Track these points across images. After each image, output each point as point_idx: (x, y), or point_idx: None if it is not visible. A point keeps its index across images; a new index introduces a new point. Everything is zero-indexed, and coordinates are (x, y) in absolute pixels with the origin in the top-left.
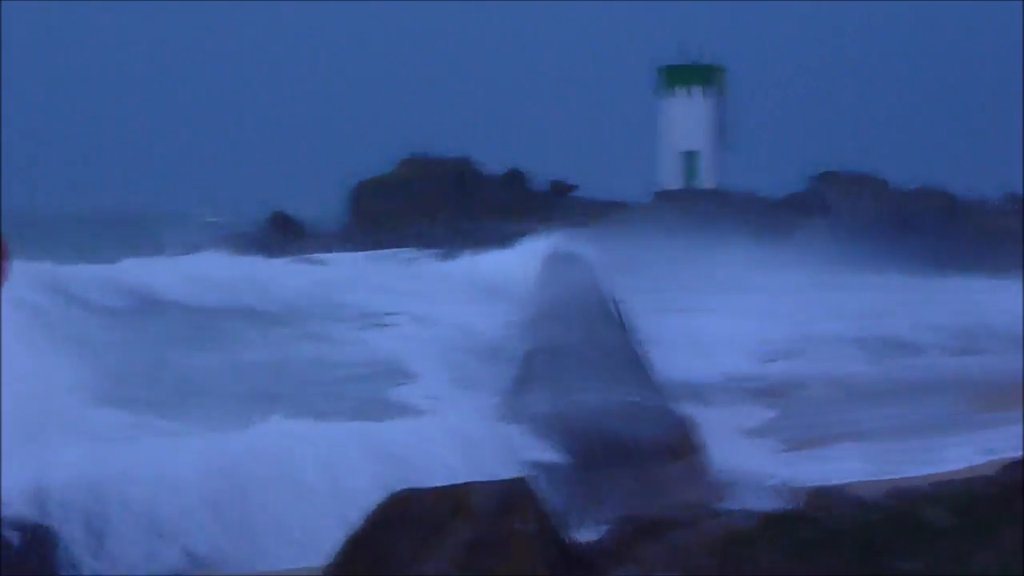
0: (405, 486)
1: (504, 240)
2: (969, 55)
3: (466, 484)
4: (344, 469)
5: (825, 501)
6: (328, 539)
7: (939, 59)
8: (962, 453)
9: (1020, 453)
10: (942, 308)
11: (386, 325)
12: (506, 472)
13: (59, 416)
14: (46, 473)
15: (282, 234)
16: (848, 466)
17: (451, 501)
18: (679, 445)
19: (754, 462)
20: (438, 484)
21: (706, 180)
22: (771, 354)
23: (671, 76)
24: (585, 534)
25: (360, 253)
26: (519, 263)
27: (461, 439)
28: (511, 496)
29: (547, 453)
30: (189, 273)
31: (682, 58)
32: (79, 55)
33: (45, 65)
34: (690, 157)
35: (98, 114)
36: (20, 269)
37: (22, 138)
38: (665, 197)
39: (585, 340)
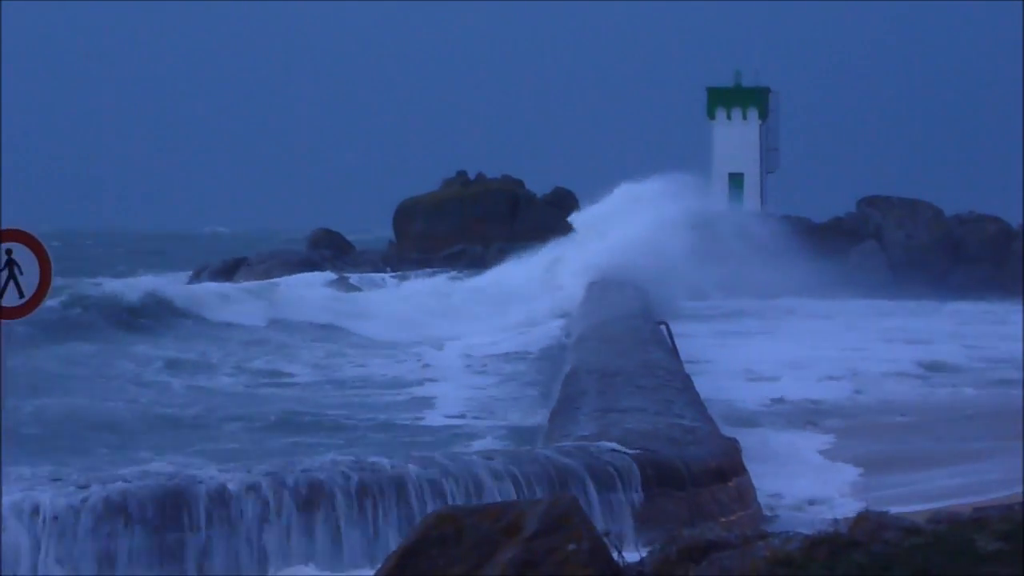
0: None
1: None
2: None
3: (516, 503)
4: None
5: (872, 525)
6: None
7: (993, 87)
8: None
9: None
10: (994, 335)
11: (420, 347)
12: (553, 491)
13: None
14: None
15: (327, 251)
16: (898, 491)
17: (501, 520)
18: (727, 468)
19: (803, 486)
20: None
21: (751, 202)
22: (822, 379)
23: (719, 98)
24: (632, 555)
25: (403, 273)
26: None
27: (505, 457)
28: (561, 515)
29: (595, 473)
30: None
31: (729, 81)
32: (132, 76)
33: (96, 85)
34: (735, 179)
35: (145, 134)
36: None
37: (70, 160)
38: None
39: (635, 362)
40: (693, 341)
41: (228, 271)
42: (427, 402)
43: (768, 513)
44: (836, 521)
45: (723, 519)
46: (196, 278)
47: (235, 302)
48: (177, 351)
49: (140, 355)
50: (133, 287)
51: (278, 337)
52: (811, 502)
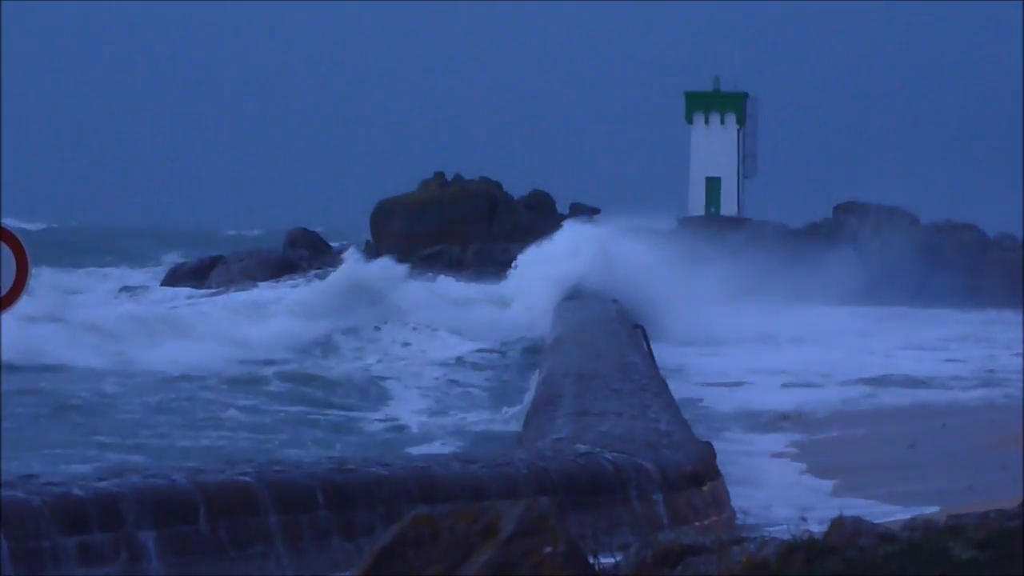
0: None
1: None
2: (999, 91)
3: (492, 505)
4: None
5: (847, 531)
6: None
7: (968, 94)
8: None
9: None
10: (971, 343)
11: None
12: (529, 494)
13: None
14: None
15: (304, 251)
16: (868, 498)
17: (478, 522)
18: (702, 472)
19: (777, 491)
20: (462, 505)
21: (728, 206)
22: (796, 385)
23: (697, 103)
24: (608, 559)
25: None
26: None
27: (482, 463)
28: (537, 518)
29: (570, 475)
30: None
31: (708, 86)
32: (111, 72)
33: (77, 81)
34: (712, 183)
35: (124, 130)
36: None
37: (56, 154)
38: (687, 223)
39: (611, 365)
40: (669, 347)
41: (204, 270)
42: (399, 406)
43: (742, 519)
44: (810, 527)
45: (698, 523)
46: (172, 276)
47: None
48: None
49: None
50: None
51: None
52: (784, 506)
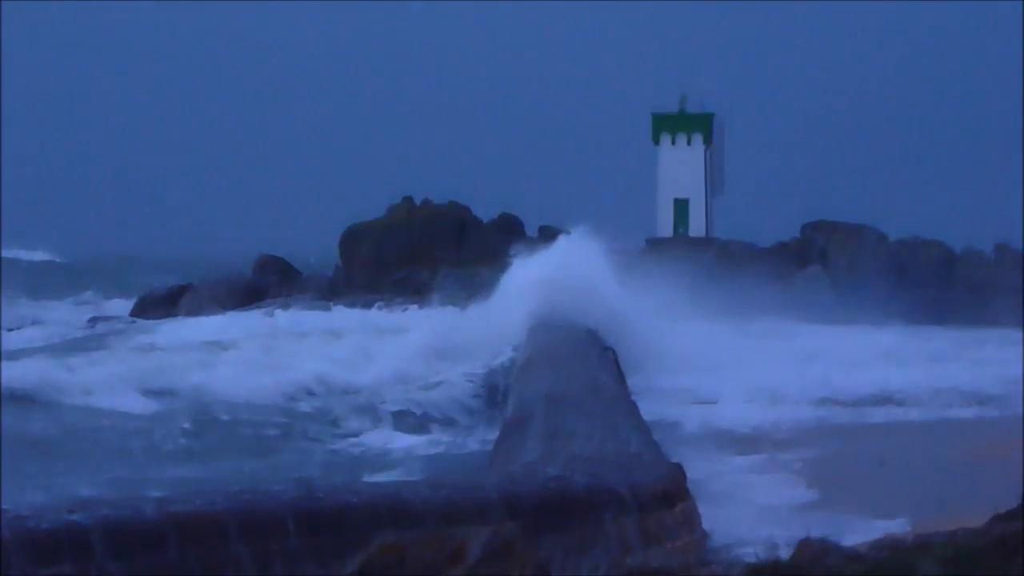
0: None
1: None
2: (966, 107)
3: (461, 531)
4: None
5: (813, 552)
6: None
7: (935, 110)
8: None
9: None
10: (939, 360)
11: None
12: (500, 518)
13: None
14: None
15: (273, 277)
16: (842, 515)
17: (445, 548)
18: (673, 493)
19: (751, 511)
20: (432, 530)
21: (696, 227)
22: (767, 405)
23: (663, 124)
24: None
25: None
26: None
27: (452, 487)
28: (504, 543)
29: (541, 498)
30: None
31: (675, 106)
32: (77, 95)
33: (47, 111)
34: (680, 204)
35: (91, 156)
36: None
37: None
38: (656, 245)
39: (582, 385)
40: (637, 368)
41: (173, 297)
42: (368, 426)
43: (715, 540)
44: (782, 547)
45: (669, 544)
46: (142, 305)
47: None
48: None
49: None
50: None
51: None
52: (754, 527)
